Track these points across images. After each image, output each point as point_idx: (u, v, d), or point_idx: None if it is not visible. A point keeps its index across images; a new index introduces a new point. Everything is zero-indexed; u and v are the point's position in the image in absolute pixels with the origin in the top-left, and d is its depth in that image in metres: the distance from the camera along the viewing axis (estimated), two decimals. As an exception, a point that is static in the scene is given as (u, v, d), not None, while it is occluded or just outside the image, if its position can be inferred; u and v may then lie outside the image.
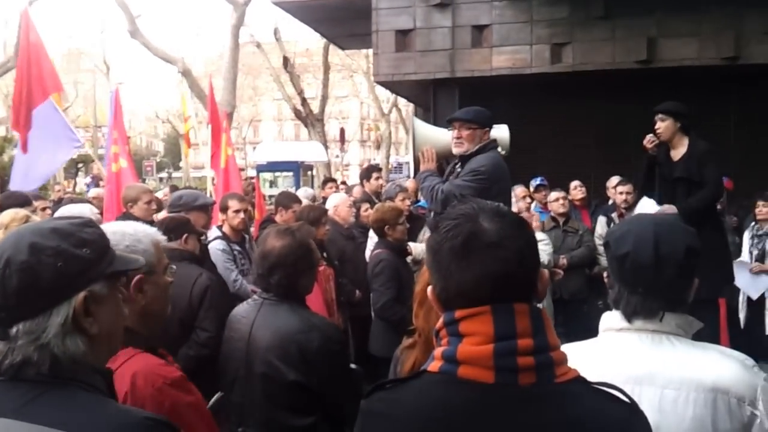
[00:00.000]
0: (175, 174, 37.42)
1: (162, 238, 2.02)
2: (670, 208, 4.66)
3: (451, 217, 1.24)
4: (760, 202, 6.18)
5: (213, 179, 8.00)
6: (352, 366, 2.88)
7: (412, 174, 4.94)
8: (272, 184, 17.02)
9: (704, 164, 4.67)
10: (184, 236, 3.90)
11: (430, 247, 1.26)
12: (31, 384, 1.24)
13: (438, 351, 1.22)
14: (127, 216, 5.07)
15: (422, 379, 1.23)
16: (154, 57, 18.91)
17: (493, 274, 1.17)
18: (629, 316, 1.65)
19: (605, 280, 6.02)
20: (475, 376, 1.16)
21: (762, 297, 5.99)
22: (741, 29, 7.32)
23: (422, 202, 7.18)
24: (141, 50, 19.83)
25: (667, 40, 7.56)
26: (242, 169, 11.92)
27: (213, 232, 5.13)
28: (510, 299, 1.18)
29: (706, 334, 1.74)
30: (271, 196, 9.06)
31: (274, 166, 17.71)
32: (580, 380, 1.20)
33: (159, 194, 8.36)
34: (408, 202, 6.29)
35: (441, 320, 1.24)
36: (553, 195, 6.80)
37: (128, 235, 1.85)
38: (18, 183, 6.68)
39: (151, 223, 4.60)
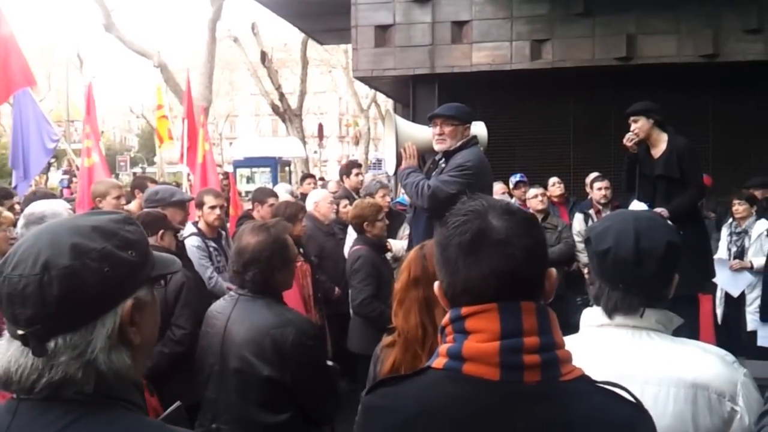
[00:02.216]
0: (149, 169, 37.00)
1: None
2: (662, 212, 4.64)
3: (461, 213, 1.23)
4: (736, 201, 6.22)
5: (189, 175, 7.88)
6: (329, 363, 2.86)
7: (388, 170, 4.90)
8: (249, 180, 16.90)
9: (684, 161, 4.72)
10: (160, 232, 3.85)
11: (437, 242, 1.26)
12: (68, 405, 1.09)
13: (443, 348, 1.22)
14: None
15: (426, 375, 1.22)
16: (129, 51, 18.64)
17: (500, 271, 1.17)
18: (610, 312, 1.65)
19: (586, 276, 6.04)
20: (481, 373, 1.16)
21: (741, 294, 6.02)
22: (719, 27, 7.37)
23: (402, 198, 7.14)
24: (116, 44, 19.48)
25: (646, 37, 7.58)
26: (219, 165, 11.78)
27: (188, 229, 5.06)
28: (517, 297, 1.18)
29: (686, 330, 1.74)
30: (248, 192, 8.94)
31: (251, 162, 17.58)
32: (585, 379, 1.20)
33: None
34: (388, 199, 6.27)
35: (447, 317, 1.23)
36: (532, 192, 6.82)
37: None
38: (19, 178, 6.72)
39: None
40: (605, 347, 1.64)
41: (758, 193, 6.59)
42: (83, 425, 1.08)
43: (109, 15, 17.55)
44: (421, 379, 1.22)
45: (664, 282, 1.66)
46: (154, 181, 6.48)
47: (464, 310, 1.20)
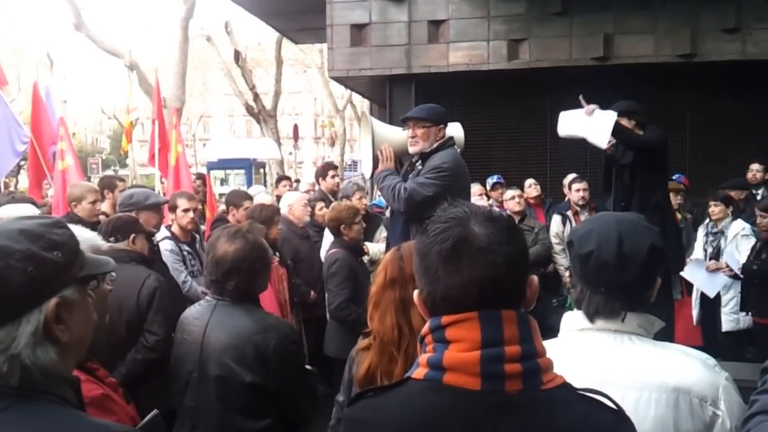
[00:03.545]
0: (121, 171, 36.49)
1: (101, 243, 1.98)
2: (593, 106, 4.82)
3: (442, 220, 1.22)
4: (712, 202, 6.24)
5: (161, 178, 7.72)
6: (307, 367, 2.85)
7: (364, 172, 4.85)
8: (223, 182, 16.73)
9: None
10: (132, 236, 3.80)
11: (418, 250, 1.24)
12: None
13: (423, 358, 1.20)
14: (69, 216, 4.94)
15: (407, 386, 1.20)
16: (100, 51, 18.34)
17: (481, 279, 1.16)
18: (591, 316, 1.65)
19: (567, 279, 6.01)
20: (462, 383, 1.15)
21: (717, 295, 6.03)
22: (697, 27, 7.39)
23: (379, 201, 7.06)
24: (86, 44, 19.15)
25: (623, 37, 7.58)
26: (190, 166, 11.62)
27: (162, 232, 4.97)
28: (498, 305, 1.17)
29: (660, 317, 1.72)
30: (221, 195, 8.81)
31: (225, 164, 17.43)
32: (566, 387, 1.19)
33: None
34: (365, 201, 6.21)
35: (427, 326, 1.22)
36: (509, 193, 6.80)
37: None
38: None
39: (96, 223, 4.44)
40: (587, 351, 1.63)
41: (734, 194, 6.62)
42: (8, 415, 1.14)
43: (79, 14, 17.26)
44: (402, 391, 1.20)
45: (645, 285, 1.65)
46: (122, 180, 6.35)
47: (444, 319, 1.18)
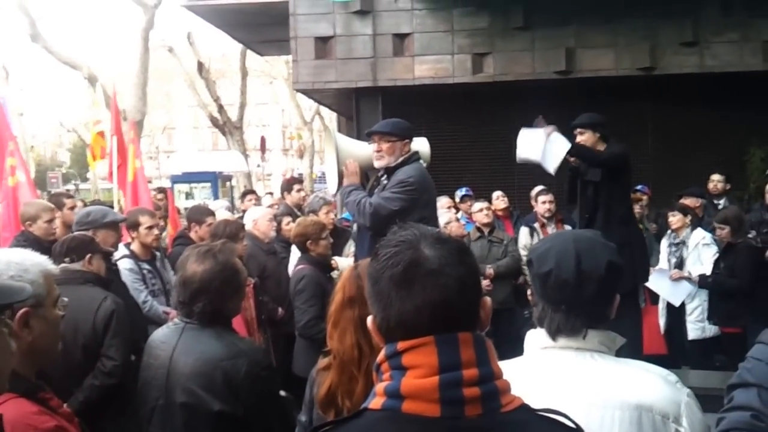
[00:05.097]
0: (82, 186, 35.79)
1: (53, 267, 1.88)
2: (552, 127, 4.82)
3: (392, 244, 1.20)
4: (670, 213, 6.33)
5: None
6: (282, 393, 2.75)
7: (329, 188, 4.83)
8: (188, 196, 16.48)
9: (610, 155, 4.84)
10: (88, 256, 3.67)
11: (369, 275, 1.22)
12: None
13: (380, 386, 1.17)
14: (25, 235, 4.80)
15: (364, 417, 1.17)
16: (57, 63, 17.99)
17: (433, 302, 1.14)
18: (553, 334, 1.66)
19: (529, 297, 6.02)
20: (421, 411, 1.12)
21: (682, 303, 6.10)
22: (656, 40, 7.54)
23: (347, 214, 7.01)
24: (44, 55, 18.76)
25: (585, 50, 7.70)
26: (149, 181, 11.40)
27: (120, 251, 4.83)
28: (453, 328, 1.15)
29: (627, 329, 1.78)
30: (186, 209, 8.66)
31: (190, 177, 17.21)
32: (525, 408, 1.18)
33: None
34: (332, 216, 6.14)
35: (382, 353, 1.19)
36: (477, 206, 6.79)
37: (14, 263, 1.75)
38: None
39: (53, 242, 4.31)
40: (550, 370, 1.64)
41: (690, 202, 6.71)
42: None
43: (35, 24, 16.89)
44: (359, 423, 1.17)
45: (605, 302, 1.67)
46: (71, 197, 6.18)
47: (400, 345, 1.16)
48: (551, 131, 4.82)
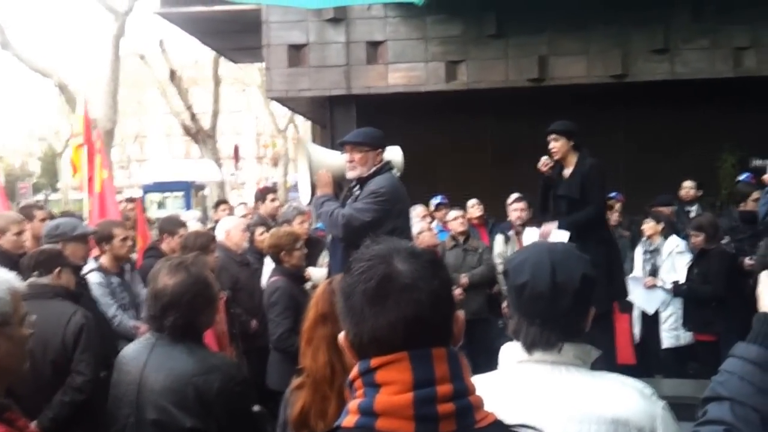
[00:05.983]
0: (52, 196, 35.22)
1: (20, 285, 1.84)
2: (548, 227, 4.82)
3: (364, 258, 1.19)
4: (644, 220, 6.37)
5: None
6: (256, 408, 2.69)
7: (302, 199, 4.81)
8: (161, 205, 16.27)
9: (587, 181, 4.82)
10: (57, 270, 3.64)
11: (341, 290, 1.21)
12: None
13: (353, 404, 1.16)
14: None
15: None
16: (27, 71, 17.71)
17: (407, 318, 1.13)
18: (528, 348, 1.66)
19: (504, 311, 6.00)
20: (395, 428, 1.11)
21: (656, 311, 6.12)
22: (627, 48, 7.62)
23: (322, 224, 6.94)
24: (13, 63, 18.46)
25: (557, 58, 7.75)
26: (119, 191, 11.21)
27: (89, 264, 4.74)
28: (426, 344, 1.14)
29: (602, 348, 1.75)
30: (159, 219, 8.52)
31: (162, 187, 17.00)
32: (498, 424, 1.18)
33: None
34: (306, 226, 6.08)
35: (355, 370, 1.18)
36: (452, 214, 6.79)
37: None
38: None
39: (23, 255, 4.24)
40: (526, 384, 1.64)
41: (662, 210, 6.77)
42: None
43: (3, 32, 16.61)
44: None
45: (580, 315, 1.68)
46: (42, 208, 6.04)
47: (374, 362, 1.15)
48: (549, 232, 4.79)
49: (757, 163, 8.39)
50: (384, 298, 1.14)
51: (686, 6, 7.67)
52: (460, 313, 1.23)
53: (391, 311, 1.13)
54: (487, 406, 1.20)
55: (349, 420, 1.15)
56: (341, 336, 1.22)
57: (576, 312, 1.66)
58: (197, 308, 2.55)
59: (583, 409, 1.59)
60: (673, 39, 7.63)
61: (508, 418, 1.22)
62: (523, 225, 6.65)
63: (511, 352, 1.71)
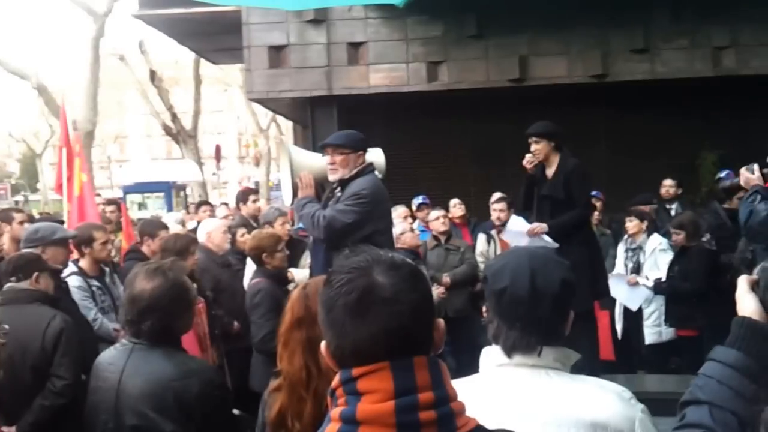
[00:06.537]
0: (32, 197, 34.82)
1: None
2: (540, 227, 4.82)
3: (344, 270, 1.20)
4: (627, 218, 6.41)
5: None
6: (236, 412, 2.71)
7: (285, 201, 4.80)
8: (141, 206, 16.14)
9: (571, 182, 4.83)
10: (35, 275, 3.61)
11: (322, 302, 1.22)
12: None
13: (335, 412, 1.17)
14: None
15: None
16: (6, 72, 17.50)
17: (388, 330, 1.15)
18: (508, 351, 1.67)
19: (484, 314, 6.01)
20: None
21: (639, 308, 6.17)
22: (607, 48, 7.67)
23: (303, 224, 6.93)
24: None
25: (538, 58, 7.79)
26: (97, 194, 11.10)
27: (68, 268, 4.68)
28: (408, 353, 1.16)
29: (585, 348, 1.79)
30: (140, 220, 8.46)
31: (143, 187, 16.87)
32: (479, 429, 1.20)
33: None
34: (288, 227, 6.06)
35: (337, 379, 1.19)
36: (434, 214, 6.79)
37: None
38: None
39: (1, 259, 4.23)
40: (506, 387, 1.65)
41: (642, 208, 6.81)
42: None
43: (-20, 33, 16.41)
44: None
45: (559, 320, 1.69)
46: (21, 211, 5.97)
47: (355, 371, 1.16)
48: (540, 232, 4.81)
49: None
50: (365, 311, 1.15)
51: (665, 6, 7.74)
52: (441, 321, 1.24)
53: (373, 324, 1.15)
54: (468, 411, 1.21)
55: (331, 428, 1.16)
56: (323, 346, 1.23)
57: (555, 316, 1.68)
58: (175, 313, 2.55)
59: (562, 412, 1.60)
60: (653, 39, 7.69)
61: (488, 423, 1.23)
62: (503, 225, 6.68)
63: (491, 355, 1.72)
